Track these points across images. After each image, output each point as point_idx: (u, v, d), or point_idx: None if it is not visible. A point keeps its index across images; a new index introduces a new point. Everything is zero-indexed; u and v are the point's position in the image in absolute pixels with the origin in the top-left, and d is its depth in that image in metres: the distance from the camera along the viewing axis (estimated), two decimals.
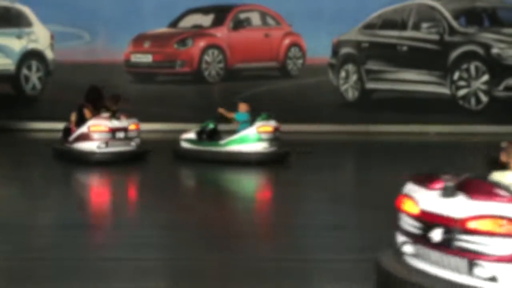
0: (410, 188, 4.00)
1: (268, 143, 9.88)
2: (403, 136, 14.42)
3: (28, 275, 4.78)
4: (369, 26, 15.48)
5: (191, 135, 10.39)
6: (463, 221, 3.45)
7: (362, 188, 8.78)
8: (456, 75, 15.01)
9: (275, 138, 10.06)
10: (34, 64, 15.73)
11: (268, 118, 10.15)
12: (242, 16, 15.70)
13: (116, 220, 6.82)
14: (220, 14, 15.66)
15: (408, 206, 3.89)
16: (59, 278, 4.68)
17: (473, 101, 15.08)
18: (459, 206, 3.51)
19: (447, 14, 14.98)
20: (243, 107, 10.45)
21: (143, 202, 7.90)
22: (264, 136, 9.90)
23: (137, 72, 15.70)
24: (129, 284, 4.61)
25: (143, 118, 15.36)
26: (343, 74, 15.65)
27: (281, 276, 4.86)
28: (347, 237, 5.98)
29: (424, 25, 15.14)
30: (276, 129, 10.05)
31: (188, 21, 15.71)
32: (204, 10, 15.82)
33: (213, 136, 10.30)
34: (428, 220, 3.65)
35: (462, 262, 3.46)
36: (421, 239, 3.69)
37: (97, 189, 9.03)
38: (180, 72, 15.50)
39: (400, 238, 3.89)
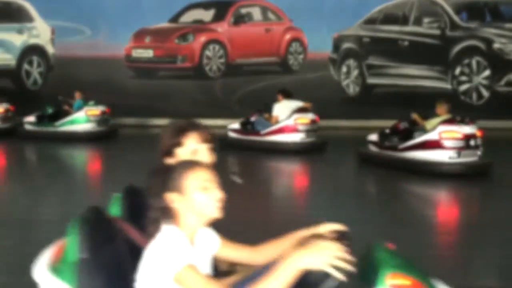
0: None
1: (96, 124, 12.04)
2: None
3: None
4: (370, 21, 15.46)
5: (31, 118, 12.36)
6: None
7: (360, 183, 8.78)
8: (457, 70, 14.99)
9: (104, 120, 12.28)
10: (35, 59, 15.74)
11: (96, 104, 12.14)
12: (243, 11, 15.68)
13: None
14: (221, 9, 15.64)
15: None
16: None
17: (474, 96, 15.06)
18: None
19: (448, 9, 14.95)
20: (77, 95, 12.40)
21: None
22: (92, 118, 11.98)
23: (138, 67, 15.69)
24: None
25: (144, 113, 15.45)
26: (344, 69, 15.64)
27: None
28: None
29: (426, 20, 15.11)
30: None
31: (189, 16, 15.70)
32: (205, 5, 15.81)
33: (54, 118, 12.25)
34: None
35: None
36: None
37: None
38: (181, 67, 15.49)
39: None
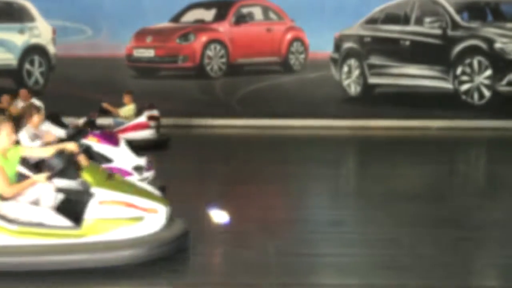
0: None
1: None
2: (405, 131, 14.41)
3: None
4: (372, 21, 15.44)
5: None
6: None
7: (362, 182, 8.77)
8: (459, 70, 14.97)
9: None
10: (36, 58, 15.74)
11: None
12: (244, 10, 15.67)
13: None
14: (222, 8, 15.64)
15: None
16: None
17: (476, 96, 15.04)
18: None
19: (450, 9, 14.94)
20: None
21: None
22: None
23: (139, 67, 15.69)
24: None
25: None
26: (345, 69, 15.63)
27: (284, 271, 4.86)
28: (349, 232, 5.97)
29: (427, 19, 15.09)
30: None
31: (190, 16, 15.70)
32: (206, 5, 15.81)
33: None
34: None
35: None
36: None
37: None
38: (182, 67, 15.49)
39: None
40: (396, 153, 11.54)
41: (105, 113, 11.37)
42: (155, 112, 11.44)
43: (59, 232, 4.68)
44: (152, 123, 11.32)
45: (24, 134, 6.65)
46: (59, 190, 5.23)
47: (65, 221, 4.80)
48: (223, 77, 15.60)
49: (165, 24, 15.64)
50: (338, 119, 15.16)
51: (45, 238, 4.65)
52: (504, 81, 14.85)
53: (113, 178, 5.19)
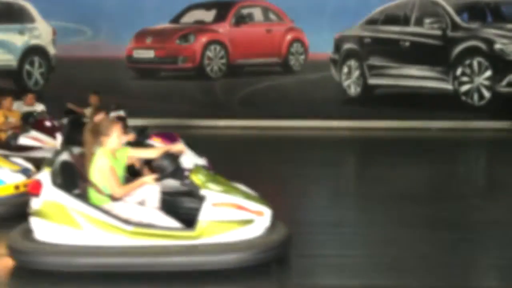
0: None
1: None
2: (406, 132, 14.41)
3: None
4: (372, 22, 15.45)
5: None
6: None
7: (363, 183, 8.77)
8: (459, 71, 14.97)
9: None
10: (36, 59, 15.75)
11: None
12: (244, 11, 15.67)
13: None
14: (222, 9, 15.64)
15: None
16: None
17: (475, 96, 15.03)
18: None
19: (449, 10, 14.94)
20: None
21: None
22: None
23: (139, 68, 15.70)
24: None
25: (145, 114, 15.44)
26: (345, 69, 15.63)
27: (284, 272, 4.86)
28: (349, 233, 5.97)
29: (427, 20, 15.09)
30: None
31: (190, 17, 15.70)
32: (206, 6, 15.81)
33: None
34: None
35: None
36: None
37: None
38: (182, 68, 15.50)
39: None
40: (396, 154, 11.54)
41: (71, 113, 11.21)
42: (121, 113, 11.21)
43: (174, 234, 4.71)
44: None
45: None
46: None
47: (173, 223, 4.84)
48: (223, 78, 15.60)
49: (165, 25, 15.64)
50: (338, 119, 15.16)
51: (160, 239, 4.67)
52: (504, 82, 14.85)
53: (218, 180, 5.16)
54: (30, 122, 9.60)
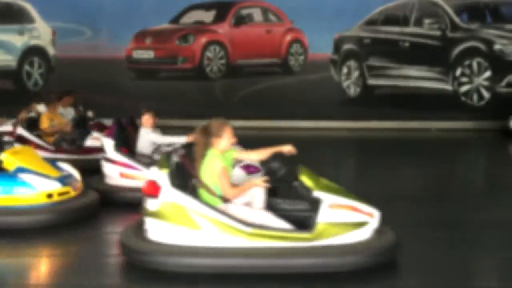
0: None
1: None
2: (405, 132, 14.40)
3: None
4: (371, 22, 15.45)
5: None
6: None
7: (362, 183, 8.77)
8: (458, 71, 14.97)
9: None
10: (36, 60, 15.74)
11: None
12: (244, 12, 15.68)
13: None
14: (222, 10, 15.64)
15: None
16: None
17: (475, 97, 15.04)
18: None
19: (449, 10, 14.94)
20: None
21: None
22: None
23: (139, 68, 15.69)
24: None
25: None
26: (345, 70, 15.63)
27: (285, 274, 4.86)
28: None
29: (426, 21, 15.10)
30: None
31: (190, 17, 15.70)
32: (205, 6, 15.81)
33: None
34: None
35: None
36: None
37: None
38: (182, 68, 15.50)
39: None
40: (396, 154, 11.54)
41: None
42: (89, 114, 11.10)
43: (291, 235, 4.71)
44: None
45: (153, 135, 7.45)
46: None
47: (285, 224, 4.84)
48: (222, 78, 15.60)
49: (165, 25, 15.64)
50: (338, 120, 15.15)
51: (277, 241, 4.67)
52: (504, 82, 14.85)
53: (322, 181, 5.16)
54: (86, 124, 9.55)
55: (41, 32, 15.67)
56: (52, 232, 5.84)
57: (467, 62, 14.88)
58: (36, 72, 15.78)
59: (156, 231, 4.78)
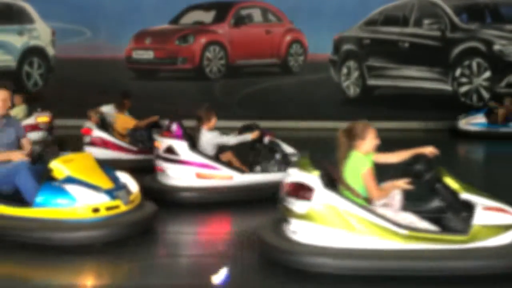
0: None
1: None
2: (404, 132, 14.40)
3: None
4: (371, 23, 15.46)
5: None
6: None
7: None
8: (458, 72, 14.98)
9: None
10: (35, 60, 15.74)
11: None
12: (244, 12, 15.69)
13: None
14: (222, 10, 15.65)
15: None
16: None
17: (474, 97, 15.05)
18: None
19: (448, 11, 14.96)
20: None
21: None
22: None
23: (139, 69, 15.70)
24: None
25: (145, 114, 15.43)
26: (344, 70, 15.64)
27: (283, 272, 4.86)
28: None
29: (426, 21, 15.11)
30: None
31: (190, 18, 15.71)
32: (205, 7, 15.82)
33: None
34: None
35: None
36: None
37: None
38: (182, 69, 15.50)
39: None
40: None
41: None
42: (46, 114, 11.09)
43: (447, 238, 4.69)
44: (42, 125, 10.88)
45: (220, 137, 7.45)
46: None
47: (429, 225, 4.81)
48: (222, 78, 15.61)
49: (164, 25, 15.65)
50: (337, 120, 15.14)
51: (432, 244, 4.65)
52: (503, 83, 14.87)
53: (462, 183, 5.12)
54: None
55: (40, 33, 15.68)
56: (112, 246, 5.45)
57: (466, 63, 14.89)
58: (35, 72, 15.79)
59: (306, 232, 4.75)
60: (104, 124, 9.48)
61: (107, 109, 9.94)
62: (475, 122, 13.38)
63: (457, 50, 14.87)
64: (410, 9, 15.25)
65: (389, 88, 15.53)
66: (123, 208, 5.58)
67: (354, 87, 15.62)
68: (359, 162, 4.96)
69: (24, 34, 15.64)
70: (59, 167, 5.63)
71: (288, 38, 15.72)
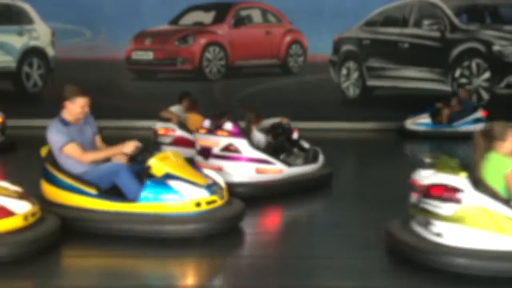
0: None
1: None
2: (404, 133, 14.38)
3: None
4: (370, 23, 15.47)
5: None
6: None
7: (361, 184, 8.78)
8: (457, 73, 14.99)
9: None
10: (35, 61, 15.74)
11: None
12: (243, 13, 15.69)
13: None
14: (221, 11, 15.65)
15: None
16: None
17: (474, 98, 15.05)
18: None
19: (448, 11, 14.96)
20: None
21: None
22: None
23: (138, 69, 15.70)
24: None
25: (145, 115, 15.45)
26: (344, 71, 15.65)
27: (284, 273, 4.86)
28: (348, 235, 5.97)
29: (426, 22, 15.12)
30: None
31: (189, 18, 15.72)
32: (205, 7, 15.82)
33: None
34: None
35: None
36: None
37: None
38: (181, 69, 15.50)
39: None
40: (395, 155, 11.54)
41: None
42: None
43: None
44: None
45: (263, 136, 8.10)
46: None
47: None
48: (222, 79, 15.61)
49: (164, 26, 15.65)
50: (337, 121, 15.16)
51: None
52: (503, 84, 14.88)
53: None
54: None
55: (40, 33, 15.67)
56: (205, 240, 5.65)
57: (466, 63, 14.90)
58: (35, 73, 15.78)
59: (455, 235, 4.73)
60: (182, 125, 9.72)
61: (175, 110, 10.20)
62: (420, 122, 13.44)
63: (456, 50, 14.88)
64: (410, 10, 15.26)
65: (388, 89, 15.53)
66: (219, 202, 5.87)
67: (354, 87, 15.63)
68: (501, 163, 4.93)
69: (24, 35, 15.64)
70: (157, 164, 5.89)
71: (287, 38, 15.73)
